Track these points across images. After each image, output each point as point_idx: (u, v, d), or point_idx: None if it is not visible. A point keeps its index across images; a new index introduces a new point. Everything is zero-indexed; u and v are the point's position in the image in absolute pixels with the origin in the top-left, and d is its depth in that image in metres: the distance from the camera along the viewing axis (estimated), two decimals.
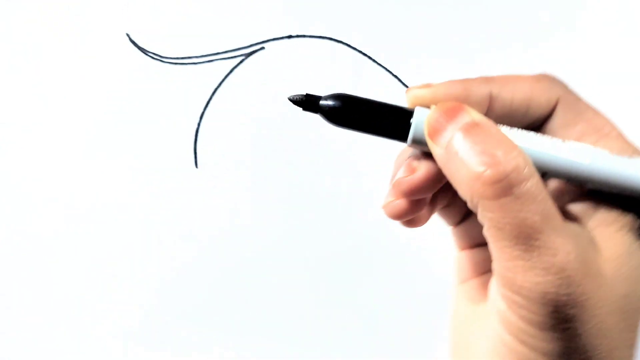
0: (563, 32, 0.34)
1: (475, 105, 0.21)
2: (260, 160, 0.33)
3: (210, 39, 0.34)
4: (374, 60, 0.34)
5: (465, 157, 0.20)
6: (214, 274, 0.33)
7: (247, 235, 0.32)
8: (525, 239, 0.19)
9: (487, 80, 0.22)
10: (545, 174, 0.21)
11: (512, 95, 0.22)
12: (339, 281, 0.32)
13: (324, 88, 0.33)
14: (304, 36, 0.34)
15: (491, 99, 0.22)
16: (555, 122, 0.23)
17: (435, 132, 0.21)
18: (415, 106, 0.22)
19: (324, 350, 0.32)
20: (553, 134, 0.23)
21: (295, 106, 0.24)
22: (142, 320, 0.32)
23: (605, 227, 0.21)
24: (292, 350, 0.32)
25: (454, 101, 0.21)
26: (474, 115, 0.21)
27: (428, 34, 0.34)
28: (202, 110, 0.34)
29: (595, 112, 0.23)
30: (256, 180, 0.33)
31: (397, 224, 0.24)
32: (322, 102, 0.23)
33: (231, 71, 0.34)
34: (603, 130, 0.22)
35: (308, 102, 0.23)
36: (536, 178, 0.20)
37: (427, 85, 0.22)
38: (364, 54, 0.34)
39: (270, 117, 0.33)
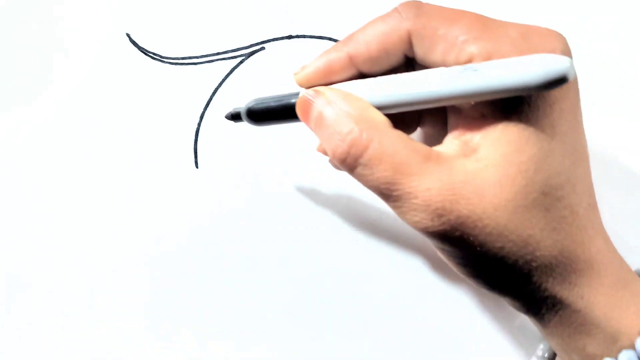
0: None
1: (340, 71, 0.24)
2: (260, 160, 0.33)
3: (210, 39, 0.34)
4: None
5: (323, 142, 0.24)
6: (214, 274, 0.33)
7: (247, 235, 0.32)
8: (387, 194, 0.22)
9: (344, 42, 0.24)
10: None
11: (367, 47, 0.24)
12: (340, 281, 0.32)
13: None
14: (304, 36, 0.34)
15: (353, 58, 0.24)
16: (418, 54, 0.24)
17: (305, 120, 0.25)
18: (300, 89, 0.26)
19: (324, 351, 0.32)
20: (424, 65, 0.24)
21: (231, 121, 0.29)
22: (141, 321, 0.32)
23: (487, 134, 0.22)
24: (293, 350, 0.32)
25: (312, 90, 0.25)
26: (318, 106, 0.24)
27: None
28: (202, 110, 0.34)
29: (449, 24, 0.23)
30: (256, 180, 0.33)
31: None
32: (240, 112, 0.28)
33: (231, 71, 0.34)
34: (457, 40, 0.22)
35: (234, 116, 0.29)
36: (377, 139, 0.22)
37: (302, 68, 0.25)
38: None
39: None
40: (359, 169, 0.23)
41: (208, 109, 0.34)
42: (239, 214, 0.33)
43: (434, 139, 0.26)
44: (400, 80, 0.23)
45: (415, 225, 0.22)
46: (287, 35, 0.34)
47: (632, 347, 0.22)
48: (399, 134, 0.23)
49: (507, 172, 0.22)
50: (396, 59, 0.24)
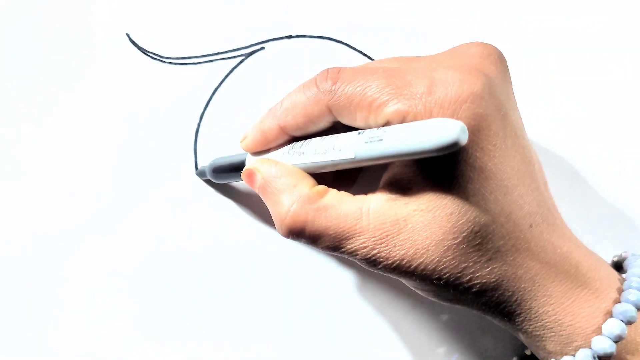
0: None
1: (274, 139, 0.28)
2: None
3: (210, 39, 0.34)
4: (374, 60, 0.34)
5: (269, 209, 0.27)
6: (214, 273, 0.33)
7: (247, 235, 0.32)
8: (336, 253, 0.26)
9: (273, 113, 0.27)
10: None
11: (294, 119, 0.27)
12: (342, 281, 0.32)
13: None
14: (304, 36, 0.34)
15: (283, 128, 0.27)
16: (342, 121, 0.26)
17: (253, 188, 0.28)
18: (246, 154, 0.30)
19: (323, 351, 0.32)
20: (350, 127, 0.26)
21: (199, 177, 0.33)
22: (141, 322, 0.32)
23: (414, 180, 0.24)
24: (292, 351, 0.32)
25: (250, 165, 0.28)
26: (258, 181, 0.27)
27: (428, 34, 0.34)
28: (202, 110, 0.34)
29: (363, 91, 0.24)
30: None
31: None
32: (205, 171, 0.32)
33: (231, 71, 0.34)
34: (372, 107, 0.24)
35: (201, 174, 0.32)
36: (310, 217, 0.25)
37: (244, 137, 0.29)
38: (364, 54, 0.34)
39: None
40: (308, 244, 0.26)
41: (208, 109, 0.34)
42: (239, 213, 0.33)
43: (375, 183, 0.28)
44: (320, 147, 0.25)
45: (366, 267, 0.25)
46: (287, 35, 0.34)
47: (589, 346, 0.24)
48: (330, 199, 0.25)
49: (434, 215, 0.24)
50: (323, 125, 0.27)
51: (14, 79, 0.34)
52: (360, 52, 0.34)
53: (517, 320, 0.25)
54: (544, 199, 0.26)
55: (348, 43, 0.34)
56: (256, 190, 0.28)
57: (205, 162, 0.33)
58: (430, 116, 0.23)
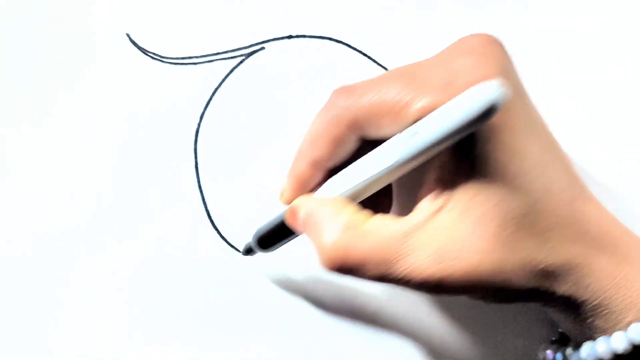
0: None
1: (311, 179, 0.27)
2: (260, 160, 0.33)
3: (210, 39, 0.34)
4: (374, 60, 0.34)
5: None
6: (214, 274, 0.33)
7: (247, 234, 0.32)
8: (387, 283, 0.24)
9: (303, 153, 0.27)
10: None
11: (323, 150, 0.26)
12: (342, 283, 0.32)
13: (324, 88, 0.33)
14: (304, 36, 0.34)
15: (316, 164, 0.26)
16: (369, 135, 0.25)
17: (296, 229, 0.27)
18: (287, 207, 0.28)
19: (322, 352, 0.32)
20: (378, 140, 0.25)
21: (248, 255, 0.31)
22: (140, 323, 0.32)
23: (452, 187, 0.23)
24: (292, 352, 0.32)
25: (292, 204, 0.27)
26: (301, 214, 0.26)
27: (428, 34, 0.34)
28: (202, 110, 0.34)
29: (382, 99, 0.24)
30: (257, 181, 0.33)
31: None
32: (252, 247, 0.30)
33: (231, 71, 0.34)
34: (396, 111, 0.24)
35: (249, 251, 0.31)
36: (354, 245, 0.24)
37: (281, 194, 0.28)
38: (364, 54, 0.34)
39: (271, 117, 0.33)
40: (355, 275, 0.24)
41: (208, 109, 0.34)
42: (239, 213, 0.33)
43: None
44: (359, 167, 0.25)
45: (425, 293, 0.24)
46: (287, 35, 0.34)
47: None
48: (374, 222, 0.24)
49: (482, 212, 0.23)
50: (352, 146, 0.26)
51: (14, 78, 0.34)
52: (360, 52, 0.34)
53: (572, 300, 0.24)
54: (575, 176, 0.26)
55: (348, 43, 0.34)
56: (300, 229, 0.26)
57: (206, 163, 0.33)
58: None
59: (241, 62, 0.34)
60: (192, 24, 0.34)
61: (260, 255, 0.31)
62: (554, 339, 0.30)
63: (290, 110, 0.33)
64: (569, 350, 0.27)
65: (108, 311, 0.32)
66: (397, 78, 0.24)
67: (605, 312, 0.24)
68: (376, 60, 0.34)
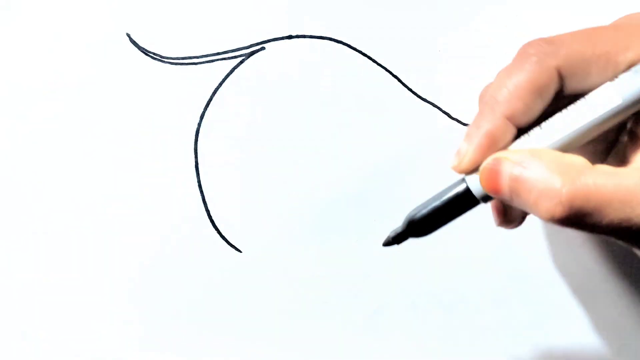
0: None
1: (502, 138, 0.23)
2: (260, 160, 0.33)
3: (210, 39, 0.34)
4: (373, 61, 0.34)
5: (528, 208, 0.22)
6: (214, 273, 0.33)
7: (247, 234, 0.32)
8: (628, 234, 0.21)
9: (491, 107, 0.23)
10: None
11: (523, 102, 0.22)
12: (342, 283, 0.32)
13: (324, 88, 0.33)
14: (304, 36, 0.34)
15: (511, 118, 0.23)
16: (571, 86, 0.23)
17: (495, 192, 0.23)
18: (467, 175, 0.24)
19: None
20: (576, 94, 0.23)
21: (394, 244, 0.26)
22: (140, 321, 0.32)
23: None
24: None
25: (491, 160, 0.23)
26: (510, 171, 0.22)
27: (428, 34, 0.34)
28: (202, 110, 0.34)
29: (590, 45, 0.22)
30: (257, 180, 0.33)
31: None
32: (401, 234, 0.26)
33: (231, 71, 0.34)
34: (609, 57, 0.22)
35: (398, 238, 0.26)
36: (592, 184, 0.21)
37: (459, 155, 0.23)
38: (364, 54, 0.34)
39: (271, 117, 0.33)
40: (588, 221, 0.21)
41: (208, 109, 0.34)
42: (239, 213, 0.33)
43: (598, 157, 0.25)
44: (573, 114, 0.22)
45: None
46: (287, 35, 0.34)
47: None
48: (603, 167, 0.22)
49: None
50: (548, 99, 0.23)
51: (12, 78, 0.34)
52: (360, 52, 0.34)
53: None
54: None
55: (348, 43, 0.34)
56: (504, 188, 0.22)
57: (205, 163, 0.33)
58: None
59: (241, 62, 0.34)
60: (192, 24, 0.34)
61: (263, 245, 0.31)
62: None
63: (290, 110, 0.33)
64: None
65: (108, 311, 0.32)
66: (601, 29, 0.22)
67: None
68: (376, 60, 0.34)
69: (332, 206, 0.32)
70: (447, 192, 0.24)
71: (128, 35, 0.34)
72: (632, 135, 0.23)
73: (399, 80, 0.33)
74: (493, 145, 0.23)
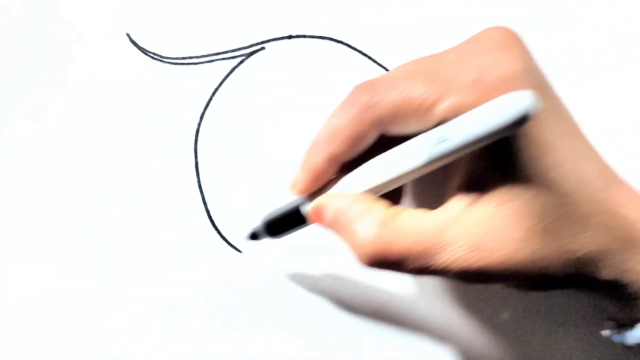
0: None
1: (326, 173, 0.26)
2: (260, 160, 0.33)
3: (210, 39, 0.34)
4: (374, 61, 0.34)
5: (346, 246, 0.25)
6: (214, 273, 0.33)
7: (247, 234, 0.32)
8: (425, 274, 0.24)
9: (320, 145, 0.26)
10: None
11: (345, 144, 0.25)
12: (342, 282, 0.32)
13: (324, 88, 0.33)
14: (304, 36, 0.34)
15: (333, 158, 0.26)
16: (392, 132, 0.25)
17: (323, 226, 0.26)
18: (300, 197, 0.27)
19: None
20: (398, 136, 0.25)
21: (254, 240, 0.30)
22: (140, 321, 0.32)
23: (483, 181, 0.24)
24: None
25: (316, 202, 0.26)
26: (328, 213, 0.26)
27: (428, 34, 0.34)
28: (202, 110, 0.34)
29: (407, 95, 0.24)
30: (257, 180, 0.33)
31: None
32: (258, 232, 0.29)
33: (231, 71, 0.34)
34: (422, 109, 0.24)
35: (255, 235, 0.30)
36: (391, 239, 0.24)
37: (294, 184, 0.27)
38: (364, 54, 0.34)
39: (271, 117, 0.33)
40: (393, 269, 0.24)
41: (208, 109, 0.34)
42: (239, 213, 0.33)
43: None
44: (385, 164, 0.24)
45: (463, 283, 0.24)
46: (287, 35, 0.34)
47: None
48: (408, 217, 0.24)
49: (517, 204, 0.23)
50: (370, 141, 0.26)
51: (12, 78, 0.34)
52: (360, 52, 0.34)
53: (618, 284, 0.25)
54: (605, 162, 0.26)
55: (348, 43, 0.34)
56: (328, 227, 0.26)
57: (205, 163, 0.33)
58: (489, 100, 0.22)
59: (241, 62, 0.34)
60: (192, 24, 0.34)
61: (263, 244, 0.31)
62: (609, 321, 0.30)
63: (290, 110, 0.33)
64: (626, 331, 0.27)
65: (108, 311, 0.32)
66: (422, 75, 0.24)
67: None
68: (376, 60, 0.34)
69: None
70: (291, 205, 0.28)
71: (128, 35, 0.34)
72: (454, 176, 0.25)
73: None
74: (319, 178, 0.26)
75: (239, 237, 0.33)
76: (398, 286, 0.32)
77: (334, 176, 0.27)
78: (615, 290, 0.25)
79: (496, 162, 0.23)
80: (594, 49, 0.33)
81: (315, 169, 0.26)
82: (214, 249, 0.33)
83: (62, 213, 0.33)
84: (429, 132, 0.23)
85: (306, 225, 0.28)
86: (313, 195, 0.27)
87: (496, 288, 0.32)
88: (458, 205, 0.24)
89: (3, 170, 0.33)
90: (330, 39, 0.34)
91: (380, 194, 0.25)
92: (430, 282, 0.32)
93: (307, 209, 0.27)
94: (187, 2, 0.34)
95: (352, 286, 0.32)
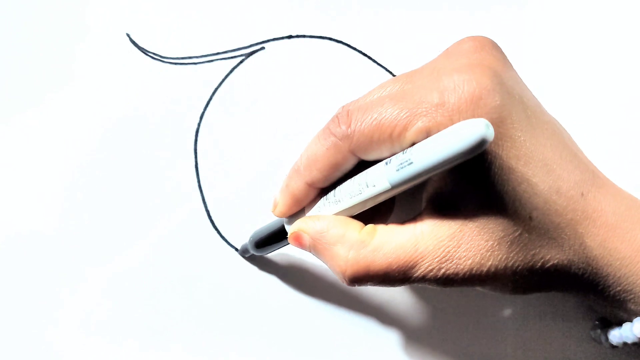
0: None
1: (305, 197, 0.27)
2: (260, 160, 0.33)
3: (210, 39, 0.34)
4: (374, 60, 0.34)
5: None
6: (214, 273, 0.33)
7: (247, 235, 0.32)
8: (406, 284, 0.25)
9: (296, 175, 0.27)
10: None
11: (320, 174, 0.26)
12: (339, 283, 0.32)
13: (324, 88, 0.33)
14: (304, 36, 0.34)
15: (311, 184, 0.27)
16: (367, 159, 0.26)
17: (303, 249, 0.28)
18: (281, 219, 0.29)
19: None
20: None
21: (246, 256, 0.32)
22: (140, 321, 0.32)
23: (458, 195, 0.25)
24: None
25: (294, 228, 0.27)
26: (306, 239, 0.27)
27: (428, 34, 0.34)
28: (202, 110, 0.34)
29: (379, 123, 0.24)
30: (256, 180, 0.33)
31: None
32: (248, 248, 0.31)
33: (231, 71, 0.34)
34: (393, 136, 0.24)
35: (244, 252, 0.32)
36: (369, 259, 0.25)
37: (275, 205, 0.28)
38: (364, 54, 0.34)
39: (271, 117, 0.33)
40: (376, 285, 0.26)
41: (208, 109, 0.34)
42: (239, 213, 0.33)
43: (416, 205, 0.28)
44: (354, 189, 0.25)
45: (441, 287, 0.25)
46: (287, 35, 0.34)
47: None
48: (382, 236, 0.25)
49: (488, 217, 0.24)
50: (349, 167, 0.26)
51: (13, 79, 0.34)
52: (360, 52, 0.34)
53: (596, 289, 0.26)
54: (585, 165, 0.26)
55: (348, 43, 0.34)
56: (308, 251, 0.27)
57: (205, 163, 0.33)
58: (452, 123, 0.23)
59: (241, 62, 0.34)
60: (192, 24, 0.34)
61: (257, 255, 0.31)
62: (596, 322, 0.31)
63: (290, 110, 0.33)
64: (614, 330, 0.28)
65: (108, 311, 0.32)
66: (391, 102, 0.24)
67: (631, 297, 0.25)
68: (376, 60, 0.34)
69: None
70: (274, 224, 0.30)
71: (128, 35, 0.34)
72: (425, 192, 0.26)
73: None
74: (297, 202, 0.28)
75: (239, 237, 0.33)
76: (396, 288, 0.32)
77: (312, 199, 0.28)
78: (597, 294, 0.26)
79: (465, 179, 0.24)
80: (582, 50, 0.33)
81: (294, 194, 0.28)
82: (214, 249, 0.33)
83: (61, 213, 0.33)
84: (392, 158, 0.24)
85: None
86: (294, 216, 0.28)
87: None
88: (430, 219, 0.25)
89: (3, 170, 0.33)
90: (330, 39, 0.34)
91: (355, 214, 0.26)
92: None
93: (289, 230, 0.28)
94: (187, 2, 0.34)
95: (354, 288, 0.32)
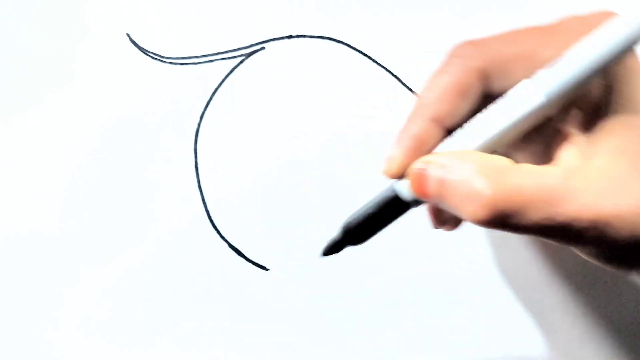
0: None
1: (430, 141, 0.23)
2: (260, 160, 0.33)
3: (210, 39, 0.34)
4: (374, 60, 0.34)
5: (454, 210, 0.22)
6: (214, 273, 0.33)
7: (247, 235, 0.32)
8: (552, 232, 0.21)
9: (419, 110, 0.23)
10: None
11: (449, 104, 0.23)
12: (343, 282, 0.32)
13: (324, 88, 0.33)
14: (304, 36, 0.34)
15: (437, 121, 0.23)
16: (497, 87, 0.23)
17: (423, 195, 0.23)
18: (394, 179, 0.24)
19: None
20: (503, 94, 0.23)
21: (332, 254, 0.26)
22: (140, 322, 0.32)
23: (594, 133, 0.22)
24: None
25: (419, 165, 0.23)
26: (436, 174, 0.22)
27: (428, 34, 0.34)
28: (202, 110, 0.34)
29: (514, 47, 0.22)
30: (257, 180, 0.33)
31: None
32: (339, 241, 0.25)
33: (231, 71, 0.34)
34: (532, 56, 0.22)
35: (336, 247, 0.26)
36: (515, 184, 0.21)
37: (389, 160, 0.23)
38: (364, 54, 0.34)
39: (271, 117, 0.33)
40: (512, 221, 0.21)
41: (208, 109, 0.34)
42: (239, 213, 0.33)
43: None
44: (496, 114, 0.22)
45: (590, 254, 0.22)
46: (287, 35, 0.34)
47: None
48: (528, 166, 0.22)
49: (635, 152, 0.21)
50: (474, 100, 0.23)
51: (13, 79, 0.34)
52: (360, 52, 0.34)
53: None
54: None
55: (348, 43, 0.34)
56: (431, 193, 0.22)
57: (205, 163, 0.33)
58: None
59: (241, 62, 0.34)
60: (192, 24, 0.34)
61: (261, 244, 0.31)
62: None
63: (290, 110, 0.33)
64: None
65: (108, 311, 0.32)
66: (526, 30, 0.22)
67: None
68: (376, 60, 0.34)
69: (333, 205, 0.32)
70: (379, 197, 0.24)
71: (128, 35, 0.34)
72: (556, 131, 0.23)
73: (399, 80, 0.33)
74: (421, 148, 0.23)
75: (239, 237, 0.33)
76: (397, 286, 0.32)
77: (438, 141, 0.23)
78: None
79: (606, 109, 0.21)
80: None
81: (418, 135, 0.23)
82: (214, 249, 0.33)
83: (60, 213, 0.33)
84: (541, 70, 0.21)
85: (394, 221, 0.24)
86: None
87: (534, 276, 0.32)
88: (574, 156, 0.22)
89: (3, 170, 0.33)
90: (330, 39, 0.34)
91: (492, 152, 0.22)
92: (435, 278, 0.32)
93: (404, 187, 0.23)
94: (187, 2, 0.34)
95: (353, 286, 0.32)
